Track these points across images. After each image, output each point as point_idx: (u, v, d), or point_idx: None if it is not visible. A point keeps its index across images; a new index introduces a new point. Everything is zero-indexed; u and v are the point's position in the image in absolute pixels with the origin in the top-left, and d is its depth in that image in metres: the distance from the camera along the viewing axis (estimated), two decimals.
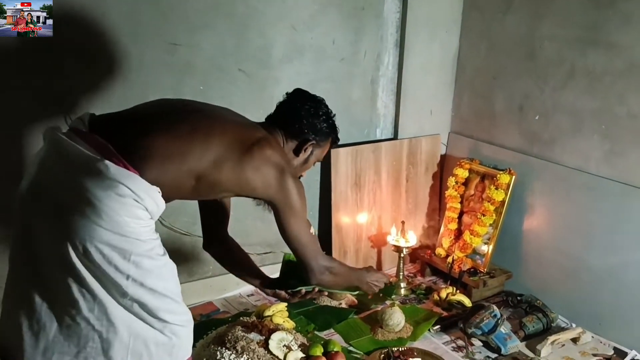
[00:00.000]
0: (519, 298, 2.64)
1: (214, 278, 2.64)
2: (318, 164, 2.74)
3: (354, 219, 2.88)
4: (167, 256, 1.55)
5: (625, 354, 2.30)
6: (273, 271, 2.79)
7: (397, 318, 2.38)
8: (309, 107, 1.82)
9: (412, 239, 2.80)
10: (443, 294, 2.64)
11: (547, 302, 2.55)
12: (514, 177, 2.67)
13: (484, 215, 2.71)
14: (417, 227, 3.04)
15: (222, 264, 2.09)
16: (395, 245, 2.79)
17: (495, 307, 2.38)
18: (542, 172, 2.65)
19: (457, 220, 2.90)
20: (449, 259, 2.80)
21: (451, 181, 2.92)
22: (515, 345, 2.31)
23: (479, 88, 2.95)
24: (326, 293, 2.16)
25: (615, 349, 2.35)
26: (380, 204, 2.94)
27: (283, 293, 2.00)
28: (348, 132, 2.84)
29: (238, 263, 2.08)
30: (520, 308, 2.58)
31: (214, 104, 1.82)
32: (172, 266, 1.56)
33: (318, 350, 2.12)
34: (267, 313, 2.30)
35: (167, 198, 1.55)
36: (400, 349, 2.25)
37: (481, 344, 2.35)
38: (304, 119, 1.80)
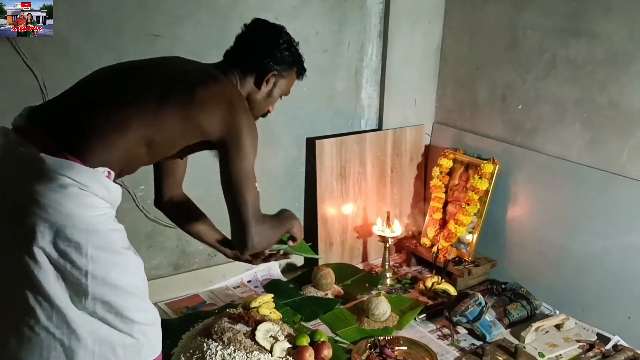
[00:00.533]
0: (503, 286, 2.66)
1: (200, 270, 2.64)
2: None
3: (339, 210, 2.88)
4: (132, 250, 1.47)
5: (609, 340, 2.33)
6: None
7: (383, 307, 2.39)
8: (267, 36, 1.68)
9: (397, 229, 2.81)
10: (428, 283, 2.66)
11: (531, 289, 2.57)
12: (497, 166, 2.69)
13: (468, 204, 2.73)
14: (402, 218, 3.06)
15: (176, 223, 1.93)
16: (380, 236, 2.81)
17: (480, 295, 2.40)
18: (525, 161, 2.67)
19: (441, 210, 2.92)
20: (434, 249, 2.82)
21: (435, 171, 2.93)
22: (500, 332, 2.34)
23: (462, 78, 2.97)
24: (291, 257, 1.97)
25: (598, 334, 2.38)
26: (365, 195, 2.95)
27: (244, 255, 1.83)
28: (332, 123, 2.85)
29: (193, 221, 1.91)
30: (505, 296, 2.60)
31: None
32: (137, 261, 1.47)
33: (305, 340, 2.12)
34: (254, 304, 2.30)
35: (125, 171, 1.49)
36: (386, 338, 2.26)
37: (466, 332, 2.37)
38: (262, 49, 1.65)
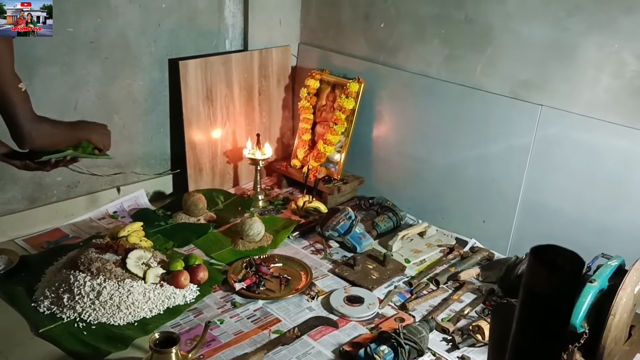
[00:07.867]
0: (370, 201, 2.78)
1: (59, 203, 2.47)
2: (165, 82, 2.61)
3: (208, 135, 2.81)
4: None
5: (466, 243, 2.52)
6: (125, 193, 2.68)
7: (257, 228, 2.40)
8: None
9: (268, 151, 2.80)
10: (300, 203, 2.70)
11: (396, 202, 2.71)
12: (362, 85, 2.73)
13: (335, 124, 2.77)
14: (272, 140, 3.04)
15: None
16: (251, 159, 2.78)
17: (349, 209, 2.48)
18: (389, 78, 2.73)
19: (310, 131, 2.94)
20: (304, 169, 2.85)
21: (303, 92, 2.93)
22: (369, 243, 2.44)
23: None
24: (80, 160, 1.84)
25: (457, 239, 2.56)
26: (234, 118, 2.89)
27: (32, 164, 1.76)
28: (196, 44, 2.73)
29: None
30: (372, 210, 2.71)
31: None
32: None
33: (179, 265, 2.09)
34: (122, 234, 2.21)
35: None
36: (261, 257, 2.28)
37: (338, 245, 2.46)
38: None
